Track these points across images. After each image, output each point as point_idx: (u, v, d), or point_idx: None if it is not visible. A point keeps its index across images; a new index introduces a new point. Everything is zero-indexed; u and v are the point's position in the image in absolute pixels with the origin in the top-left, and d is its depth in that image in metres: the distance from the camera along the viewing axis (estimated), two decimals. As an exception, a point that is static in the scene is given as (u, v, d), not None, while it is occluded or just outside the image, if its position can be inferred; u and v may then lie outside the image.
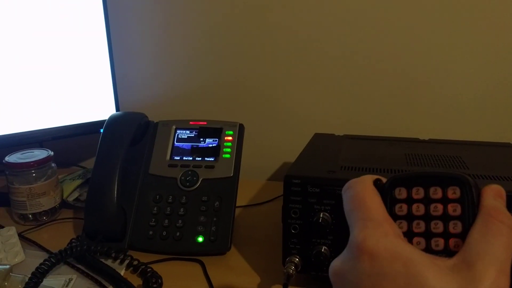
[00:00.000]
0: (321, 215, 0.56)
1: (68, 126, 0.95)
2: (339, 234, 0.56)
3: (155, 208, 0.73)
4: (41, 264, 0.62)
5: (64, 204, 0.87)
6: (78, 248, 0.66)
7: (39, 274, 0.61)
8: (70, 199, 0.86)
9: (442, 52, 0.92)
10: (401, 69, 0.94)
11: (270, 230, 0.79)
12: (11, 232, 0.75)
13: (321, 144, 0.77)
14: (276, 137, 1.04)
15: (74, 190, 0.87)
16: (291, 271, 0.56)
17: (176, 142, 0.79)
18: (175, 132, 0.79)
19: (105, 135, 0.76)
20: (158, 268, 0.66)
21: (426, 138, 0.82)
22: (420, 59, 0.93)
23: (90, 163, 1.13)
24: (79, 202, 0.87)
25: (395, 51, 0.94)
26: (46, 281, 0.61)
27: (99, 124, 0.97)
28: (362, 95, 0.97)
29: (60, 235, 0.78)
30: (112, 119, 0.79)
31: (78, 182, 0.88)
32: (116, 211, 0.71)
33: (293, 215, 0.58)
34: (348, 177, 0.58)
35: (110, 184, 0.71)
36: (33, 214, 0.82)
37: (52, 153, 0.83)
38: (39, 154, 0.82)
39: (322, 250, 0.57)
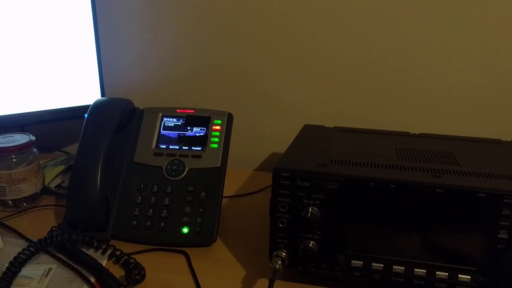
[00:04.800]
0: (309, 210, 0.54)
1: (51, 110, 0.92)
2: (327, 229, 0.55)
3: (140, 198, 0.71)
4: (19, 253, 0.60)
5: (45, 190, 0.84)
6: (59, 237, 0.64)
7: (17, 263, 0.59)
8: (52, 185, 0.84)
9: (435, 46, 0.91)
10: (393, 62, 0.93)
11: (257, 222, 0.77)
12: (-11, 218, 0.72)
13: (311, 136, 0.75)
14: (265, 126, 1.02)
15: (56, 176, 0.85)
16: (277, 266, 0.55)
17: (163, 130, 0.76)
18: (162, 119, 0.77)
19: (89, 121, 0.74)
20: (141, 258, 0.65)
21: (417, 133, 0.81)
22: (413, 53, 0.92)
23: (73, 149, 1.10)
24: (61, 189, 0.84)
25: (388, 44, 0.92)
26: (24, 271, 0.59)
27: (83, 109, 0.94)
28: (353, 87, 0.96)
29: (40, 223, 0.76)
30: (97, 104, 0.76)
31: (61, 168, 0.86)
32: (99, 199, 0.69)
33: (281, 209, 0.56)
34: (338, 172, 0.58)
35: (94, 172, 0.69)
36: (12, 200, 0.79)
37: (33, 138, 0.81)
38: (20, 138, 0.80)
39: (310, 245, 0.55)
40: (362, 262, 0.55)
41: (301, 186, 0.55)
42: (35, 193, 0.81)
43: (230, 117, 0.77)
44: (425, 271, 0.54)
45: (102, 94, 0.97)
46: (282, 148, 1.00)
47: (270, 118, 1.01)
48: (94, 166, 0.69)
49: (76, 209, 0.70)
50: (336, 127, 0.82)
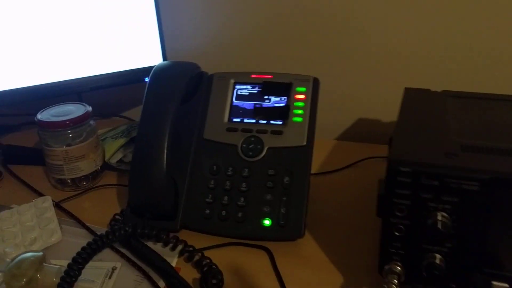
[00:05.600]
0: (438, 216, 0.41)
1: (109, 74, 0.82)
2: (461, 241, 0.42)
3: (212, 182, 0.60)
4: (78, 253, 0.51)
5: (106, 166, 0.76)
6: (122, 231, 0.55)
7: (77, 265, 0.50)
8: (113, 160, 0.75)
9: None
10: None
11: (349, 207, 0.65)
12: (46, 203, 0.65)
13: (419, 105, 0.60)
14: (350, 87, 0.87)
15: (117, 150, 0.76)
16: (394, 286, 0.43)
17: (235, 100, 0.64)
18: (234, 87, 0.65)
19: (151, 89, 0.63)
20: (216, 255, 0.55)
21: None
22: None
23: (133, 114, 1.01)
24: (124, 164, 0.75)
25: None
26: (85, 271, 0.51)
27: (143, 71, 0.83)
28: (462, 44, 0.79)
29: (102, 205, 0.68)
30: (160, 69, 0.65)
31: (122, 141, 0.77)
32: (166, 182, 0.59)
33: (398, 213, 0.44)
34: (478, 166, 0.42)
35: (159, 150, 0.59)
36: (72, 180, 0.71)
37: (90, 108, 0.71)
38: (75, 110, 0.70)
39: (437, 261, 0.43)
40: (507, 285, 0.42)
41: (427, 186, 0.42)
42: (95, 170, 0.73)
43: (316, 84, 0.63)
44: None
45: (164, 57, 0.85)
46: (369, 113, 0.86)
47: (356, 77, 0.86)
48: (159, 144, 0.59)
49: (140, 195, 0.60)
50: (446, 91, 0.67)
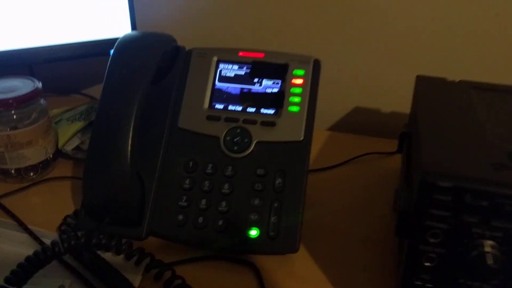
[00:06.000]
0: (486, 247, 0.32)
1: (67, 45, 0.69)
2: (510, 278, 0.33)
3: (187, 181, 0.50)
4: (14, 271, 0.40)
5: (60, 153, 0.64)
6: (72, 242, 0.44)
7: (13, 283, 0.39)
8: (68, 148, 0.63)
9: None
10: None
11: (351, 212, 0.55)
12: (-20, 200, 0.53)
13: (439, 98, 0.51)
14: (348, 71, 0.77)
15: (74, 135, 0.64)
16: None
17: (219, 81, 0.53)
18: (217, 66, 0.54)
19: (115, 64, 0.51)
20: (190, 272, 0.45)
21: None
22: None
23: (98, 91, 0.88)
24: (81, 153, 0.64)
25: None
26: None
27: (108, 43, 0.71)
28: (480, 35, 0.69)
29: (52, 202, 0.56)
30: (127, 40, 0.53)
31: (80, 124, 0.65)
32: (130, 179, 0.48)
33: (431, 239, 0.34)
34: None
35: (122, 139, 0.47)
36: (16, 170, 0.59)
37: (40, 84, 0.59)
38: (22, 86, 0.58)
39: (478, 303, 0.33)
40: None
41: (473, 207, 0.32)
42: (46, 159, 0.61)
43: (317, 66, 0.53)
44: None
45: (133, 28, 0.73)
46: (367, 102, 0.76)
47: (359, 59, 0.75)
48: (123, 131, 0.48)
49: (97, 193, 0.49)
50: (465, 81, 0.57)
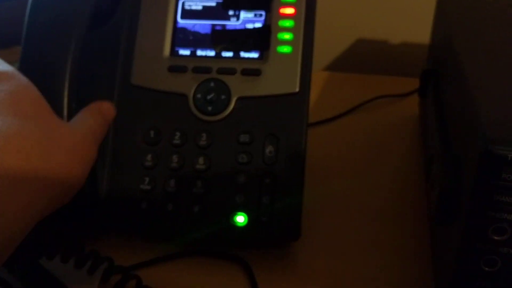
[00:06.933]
0: None
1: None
2: None
3: (149, 157, 0.37)
4: None
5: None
6: None
7: None
8: None
9: None
10: None
11: (362, 179, 0.44)
12: None
13: (480, 23, 0.38)
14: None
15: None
16: None
17: (181, 18, 0.40)
18: (178, -3, 0.40)
19: (39, 5, 0.37)
20: (161, 275, 0.34)
21: None
22: None
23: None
24: None
25: None
26: None
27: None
28: None
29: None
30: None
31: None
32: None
33: (493, 235, 0.23)
34: None
35: (54, 103, 0.35)
36: None
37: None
38: None
39: None
40: None
41: None
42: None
43: (311, -11, 0.39)
44: None
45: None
46: (371, 34, 0.63)
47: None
48: (55, 94, 0.35)
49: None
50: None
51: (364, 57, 0.65)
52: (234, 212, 0.36)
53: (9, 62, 0.54)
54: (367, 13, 0.62)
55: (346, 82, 0.60)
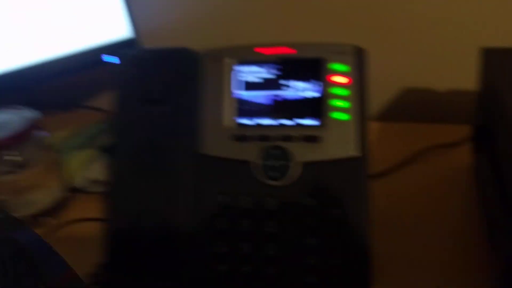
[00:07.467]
0: None
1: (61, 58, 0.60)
2: None
3: (223, 221, 0.40)
4: None
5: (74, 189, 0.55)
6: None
7: None
8: (83, 182, 0.55)
9: None
10: None
11: (428, 230, 0.45)
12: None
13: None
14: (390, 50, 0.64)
15: (86, 167, 0.55)
16: None
17: (243, 89, 0.43)
18: (233, 70, 0.43)
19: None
20: None
21: None
22: None
23: (98, 103, 0.76)
24: (97, 185, 0.55)
25: None
26: None
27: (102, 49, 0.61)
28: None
29: (75, 251, 0.48)
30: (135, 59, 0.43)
31: (89, 153, 0.56)
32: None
33: None
34: None
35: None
36: (25, 217, 0.51)
37: (36, 114, 0.50)
38: (15, 119, 0.49)
39: None
40: None
41: None
42: (58, 200, 0.53)
43: (360, 55, 0.41)
44: None
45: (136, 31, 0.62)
46: (416, 82, 0.64)
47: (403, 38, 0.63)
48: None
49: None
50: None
51: (409, 106, 0.67)
52: (306, 273, 0.38)
53: (70, 129, 0.58)
54: (412, 62, 0.64)
55: (393, 132, 0.61)
